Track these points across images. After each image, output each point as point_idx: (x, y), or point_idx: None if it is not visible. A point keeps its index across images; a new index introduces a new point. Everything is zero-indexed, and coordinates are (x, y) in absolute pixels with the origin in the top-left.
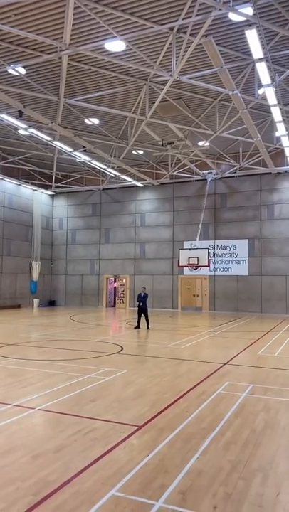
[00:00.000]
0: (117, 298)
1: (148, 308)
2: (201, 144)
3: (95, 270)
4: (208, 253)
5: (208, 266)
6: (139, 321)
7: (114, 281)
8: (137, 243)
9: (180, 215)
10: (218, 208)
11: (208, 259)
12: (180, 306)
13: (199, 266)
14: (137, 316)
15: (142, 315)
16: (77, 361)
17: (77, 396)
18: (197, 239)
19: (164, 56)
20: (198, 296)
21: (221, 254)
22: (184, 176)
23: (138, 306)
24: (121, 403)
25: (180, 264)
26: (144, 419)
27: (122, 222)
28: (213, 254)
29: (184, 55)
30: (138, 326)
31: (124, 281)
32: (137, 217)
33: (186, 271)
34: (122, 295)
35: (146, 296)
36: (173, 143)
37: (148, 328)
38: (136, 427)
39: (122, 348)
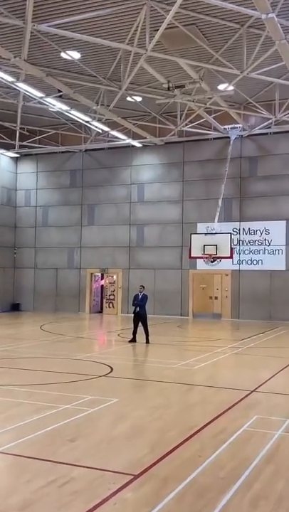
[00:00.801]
0: (105, 301)
1: (147, 315)
2: (222, 88)
3: (74, 263)
4: (231, 240)
5: (231, 257)
6: (135, 333)
7: (102, 278)
8: (132, 226)
9: (192, 187)
10: (245, 178)
11: (231, 248)
12: (191, 312)
13: (218, 257)
14: (132, 325)
15: (140, 324)
16: (51, 387)
17: (51, 434)
18: (216, 220)
19: None
20: (216, 298)
21: (249, 242)
22: (198, 132)
23: (134, 312)
24: (110, 444)
25: (192, 255)
26: (141, 466)
27: (113, 196)
28: (238, 242)
29: None
30: (134, 339)
31: (114, 277)
32: (132, 189)
33: (201, 264)
34: (111, 297)
35: (145, 298)
36: (183, 86)
37: (147, 341)
38: (131, 477)
39: (111, 369)
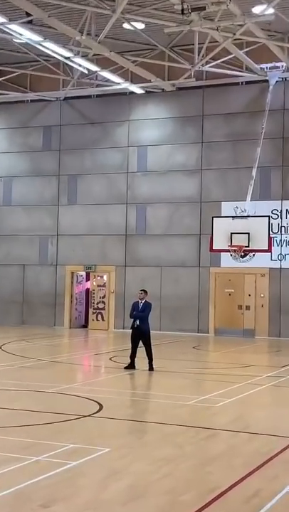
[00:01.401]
0: (91, 311)
1: (151, 332)
2: (258, 10)
3: (49, 257)
4: (270, 226)
5: (269, 250)
6: (133, 356)
7: (87, 280)
8: (130, 205)
9: (215, 152)
10: (287, 137)
11: (270, 238)
12: (213, 328)
13: (251, 250)
14: (130, 345)
15: (140, 344)
16: (16, 431)
17: (15, 497)
18: (248, 198)
19: None
20: (247, 308)
21: None
22: (223, 74)
23: (132, 327)
24: (99, 510)
25: (214, 247)
26: None
27: (103, 163)
28: (279, 229)
29: None
30: (132, 365)
31: (105, 278)
32: (131, 154)
33: (227, 260)
34: (100, 305)
35: (147, 307)
36: (204, 8)
37: (151, 368)
38: None
39: (100, 407)
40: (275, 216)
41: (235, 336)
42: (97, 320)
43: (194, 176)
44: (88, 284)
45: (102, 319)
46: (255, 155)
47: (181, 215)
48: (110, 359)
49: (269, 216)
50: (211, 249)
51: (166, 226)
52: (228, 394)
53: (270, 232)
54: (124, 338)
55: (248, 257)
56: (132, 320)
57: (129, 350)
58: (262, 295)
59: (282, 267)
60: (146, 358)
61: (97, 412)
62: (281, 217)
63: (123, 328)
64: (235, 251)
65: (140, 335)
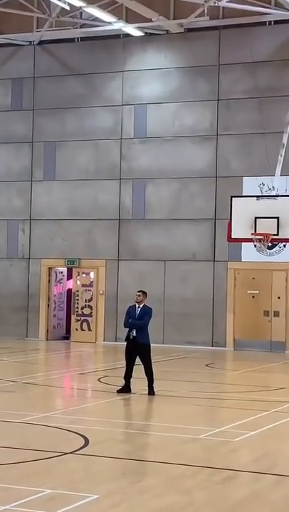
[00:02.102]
0: (74, 318)
1: (151, 345)
2: None
3: (19, 248)
4: None
5: None
6: (128, 376)
7: (69, 277)
8: (126, 181)
9: (235, 111)
10: None
11: None
12: (232, 340)
13: (282, 240)
14: (124, 362)
15: (136, 360)
16: None
17: None
18: (277, 172)
19: None
20: (276, 314)
21: None
22: (245, 10)
23: (127, 339)
24: None
25: (233, 236)
26: None
27: (90, 126)
28: None
29: None
30: (127, 388)
31: (92, 276)
32: (126, 115)
33: (249, 252)
34: (86, 311)
35: (147, 313)
36: None
37: (151, 392)
38: None
39: (86, 442)
40: None
41: (260, 351)
42: (82, 330)
43: (208, 143)
44: (70, 284)
45: (89, 329)
46: (287, 116)
47: (190, 195)
48: (99, 380)
49: None
50: (230, 239)
51: (171, 208)
52: (251, 425)
53: None
54: (116, 353)
55: (277, 248)
56: (127, 330)
57: (123, 369)
58: None
59: None
60: (146, 378)
61: (82, 447)
62: None
63: (115, 341)
64: (260, 240)
65: (137, 349)
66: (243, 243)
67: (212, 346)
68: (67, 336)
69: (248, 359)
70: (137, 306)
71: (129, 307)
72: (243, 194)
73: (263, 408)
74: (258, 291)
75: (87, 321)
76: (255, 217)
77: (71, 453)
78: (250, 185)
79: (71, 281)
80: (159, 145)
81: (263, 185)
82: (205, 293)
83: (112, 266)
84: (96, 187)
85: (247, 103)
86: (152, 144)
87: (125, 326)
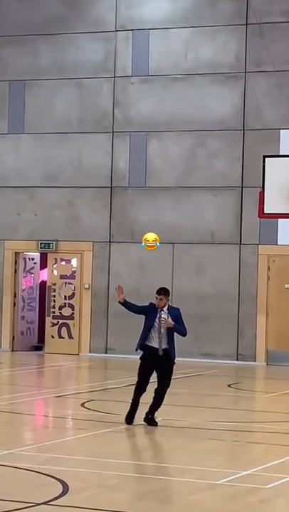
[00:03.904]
0: (49, 320)
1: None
2: None
3: None
4: None
5: None
6: (138, 399)
7: (43, 266)
8: (120, 135)
9: (270, 40)
10: None
11: None
12: (264, 351)
13: None
14: (136, 382)
15: (150, 378)
16: None
17: None
18: None
19: None
20: None
21: None
22: None
23: (147, 349)
24: None
25: (266, 210)
26: None
27: (71, 60)
28: None
29: None
30: (132, 415)
31: (74, 264)
32: (121, 44)
33: (288, 232)
34: (66, 312)
35: (179, 317)
36: None
37: (153, 421)
38: None
39: (65, 489)
40: None
41: None
42: (61, 337)
43: (233, 84)
44: (45, 275)
45: (69, 336)
46: None
47: (208, 154)
48: (82, 405)
49: None
50: (262, 214)
51: (182, 172)
52: (288, 467)
53: None
54: (106, 368)
55: None
56: (144, 342)
57: (132, 391)
58: None
59: None
60: (155, 398)
61: (60, 497)
62: None
63: (106, 352)
64: None
65: (163, 365)
66: (279, 220)
67: (237, 360)
68: (39, 346)
69: (285, 377)
70: (160, 308)
71: (149, 304)
72: (281, 153)
73: None
74: None
75: (67, 325)
76: None
77: (44, 504)
78: None
79: (45, 271)
80: (165, 86)
81: None
82: (228, 288)
83: (101, 251)
84: (80, 143)
85: (287, 29)
86: (157, 84)
87: (128, 307)
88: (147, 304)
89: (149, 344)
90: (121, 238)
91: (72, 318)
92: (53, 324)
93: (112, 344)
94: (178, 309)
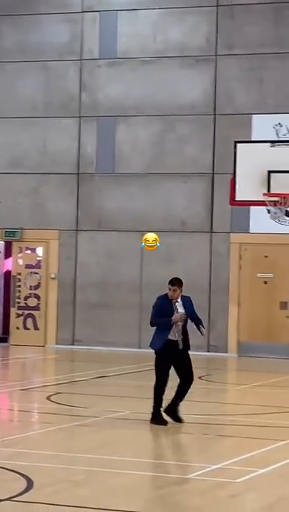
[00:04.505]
0: (14, 311)
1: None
2: None
3: None
4: None
5: None
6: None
7: (7, 255)
8: (87, 120)
9: (241, 22)
10: None
11: None
12: (236, 343)
13: None
14: (158, 377)
15: (180, 374)
16: None
17: None
18: None
19: None
20: None
21: None
22: None
23: (167, 343)
24: None
25: (238, 197)
26: None
27: (35, 42)
28: None
29: None
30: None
31: (40, 253)
32: (87, 25)
33: (260, 220)
34: (31, 302)
35: (192, 305)
36: None
37: (177, 417)
38: None
39: (29, 484)
40: None
41: (274, 358)
42: (26, 329)
43: (203, 67)
44: (9, 264)
45: (35, 327)
46: None
47: (178, 139)
48: (48, 399)
49: None
50: (233, 201)
51: (151, 158)
52: (260, 460)
53: None
54: (74, 361)
55: None
56: (159, 335)
57: (155, 388)
58: None
59: None
60: (175, 394)
61: (24, 492)
62: None
63: (73, 344)
64: (276, 204)
65: (182, 357)
66: (251, 207)
67: (208, 352)
68: (4, 338)
69: (257, 369)
70: (174, 299)
71: (161, 299)
72: (252, 138)
73: (277, 437)
74: (272, 275)
75: (32, 316)
76: (269, 171)
77: (8, 500)
78: (262, 126)
79: (10, 260)
80: (134, 69)
81: (280, 126)
82: (198, 278)
83: (68, 239)
84: (46, 128)
85: (259, 11)
86: (125, 67)
87: (159, 325)
88: (159, 301)
89: (169, 338)
90: (88, 226)
91: (38, 309)
92: (18, 315)
93: (79, 335)
94: (189, 297)
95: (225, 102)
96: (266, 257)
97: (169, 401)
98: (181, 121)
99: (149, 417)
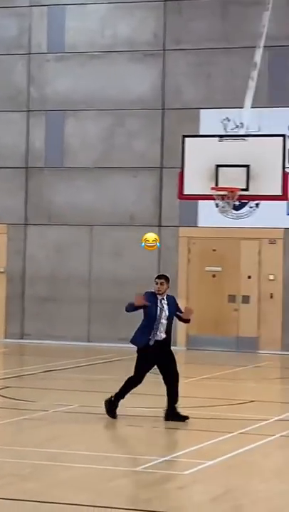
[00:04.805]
0: None
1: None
2: None
3: None
4: (285, 152)
5: (285, 197)
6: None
7: None
8: (34, 114)
9: (189, 18)
10: None
11: (286, 175)
12: (183, 336)
13: (253, 197)
14: (136, 374)
15: (165, 373)
16: None
17: None
18: (247, 103)
19: None
20: (245, 301)
21: None
22: None
23: (147, 343)
24: None
25: (186, 192)
26: None
27: None
28: None
29: None
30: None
31: None
32: (36, 20)
33: (208, 214)
34: None
35: (176, 304)
36: None
37: (179, 417)
38: None
39: None
40: None
41: (222, 351)
42: None
43: (151, 62)
44: None
45: None
46: (261, 25)
47: (127, 133)
48: None
49: (285, 135)
50: (181, 195)
51: (100, 153)
52: (208, 452)
53: (287, 163)
54: (22, 354)
55: (246, 208)
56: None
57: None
58: (271, 277)
59: None
60: (167, 396)
61: None
62: None
63: (21, 338)
64: (223, 198)
65: (166, 355)
66: (199, 201)
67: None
68: None
69: (205, 362)
70: (159, 296)
71: (148, 294)
72: (200, 133)
73: (225, 429)
74: (220, 269)
75: None
76: (217, 166)
77: None
78: (210, 120)
79: None
80: (82, 63)
81: (228, 120)
82: (146, 271)
83: (16, 233)
84: None
85: (206, 6)
86: (73, 61)
87: (129, 307)
88: (145, 294)
89: (152, 335)
90: (37, 220)
91: None
92: None
93: (28, 329)
94: (173, 296)
95: (173, 97)
96: (214, 250)
97: (166, 407)
98: (129, 116)
99: (98, 410)
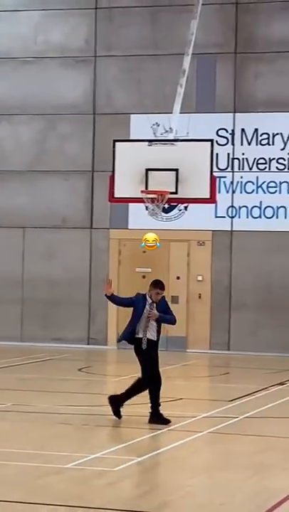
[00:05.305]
0: None
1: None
2: None
3: None
4: (213, 157)
5: (213, 201)
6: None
7: None
8: None
9: (119, 25)
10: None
11: (214, 178)
12: (114, 335)
13: (181, 200)
14: (150, 372)
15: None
16: None
17: None
18: (176, 108)
19: None
20: (174, 301)
21: (259, 162)
22: None
23: (137, 341)
24: None
25: (117, 194)
26: None
27: None
28: (230, 162)
29: None
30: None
31: None
32: None
33: (138, 216)
34: None
35: (167, 305)
36: None
37: (162, 419)
38: None
39: None
40: (223, 140)
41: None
42: None
43: (83, 67)
44: None
45: None
46: (189, 33)
47: (59, 137)
48: None
49: (213, 140)
50: (112, 198)
51: (32, 156)
52: (137, 449)
53: (213, 167)
54: None
55: (175, 211)
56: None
57: (126, 386)
58: (199, 278)
59: (235, 228)
60: (152, 401)
61: None
62: (233, 143)
63: None
64: (153, 201)
65: (156, 355)
66: (130, 204)
67: (88, 344)
68: None
69: (135, 361)
70: (148, 299)
71: (139, 297)
72: (131, 138)
73: (154, 426)
74: (150, 270)
75: None
76: (147, 169)
77: None
78: (140, 125)
79: None
80: (14, 69)
81: (158, 125)
82: (79, 272)
83: None
84: None
85: (136, 13)
86: (6, 67)
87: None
88: (134, 296)
89: (139, 335)
90: None
91: None
92: None
93: None
94: (164, 297)
95: (104, 102)
96: (144, 252)
97: (150, 410)
98: (62, 120)
99: (29, 408)
